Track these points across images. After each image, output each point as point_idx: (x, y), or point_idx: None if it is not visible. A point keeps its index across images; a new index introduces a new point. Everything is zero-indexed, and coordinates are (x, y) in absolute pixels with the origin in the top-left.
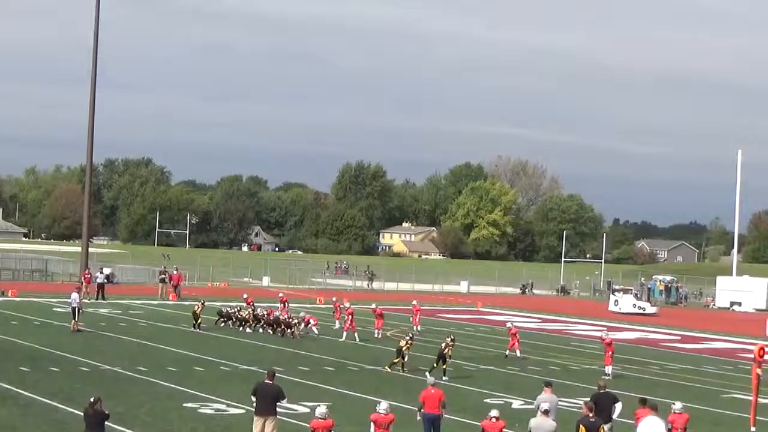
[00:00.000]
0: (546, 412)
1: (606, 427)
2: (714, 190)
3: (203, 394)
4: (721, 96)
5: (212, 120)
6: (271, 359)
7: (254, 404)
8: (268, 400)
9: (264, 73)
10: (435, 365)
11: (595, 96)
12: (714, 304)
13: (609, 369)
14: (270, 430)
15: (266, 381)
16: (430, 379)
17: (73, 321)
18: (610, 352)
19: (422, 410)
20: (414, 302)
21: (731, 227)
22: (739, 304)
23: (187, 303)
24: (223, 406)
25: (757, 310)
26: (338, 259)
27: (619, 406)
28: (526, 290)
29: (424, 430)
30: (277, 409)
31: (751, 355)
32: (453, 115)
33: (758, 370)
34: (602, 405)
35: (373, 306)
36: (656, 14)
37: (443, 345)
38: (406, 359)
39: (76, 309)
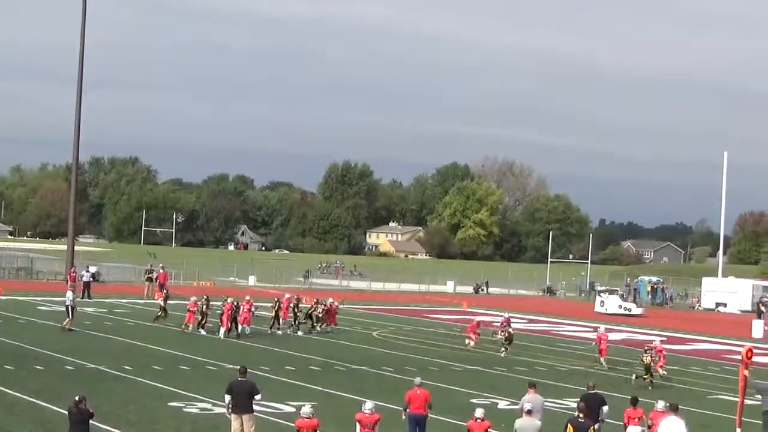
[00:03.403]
0: (529, 412)
1: (594, 427)
2: (700, 191)
3: (189, 393)
4: (708, 98)
5: (199, 119)
6: (257, 359)
7: (229, 403)
8: (243, 397)
9: (252, 73)
10: None
11: (582, 97)
12: (699, 306)
13: (660, 371)
14: (248, 427)
15: (239, 378)
16: (416, 379)
17: (67, 319)
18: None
19: (407, 410)
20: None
21: (717, 229)
22: (725, 305)
23: (173, 302)
24: (208, 406)
25: (743, 311)
26: (326, 258)
27: (606, 409)
28: (480, 289)
29: (409, 430)
30: (255, 407)
31: (737, 357)
32: (440, 116)
33: (745, 372)
34: (591, 406)
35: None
36: (645, 16)
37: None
38: None
39: (70, 307)
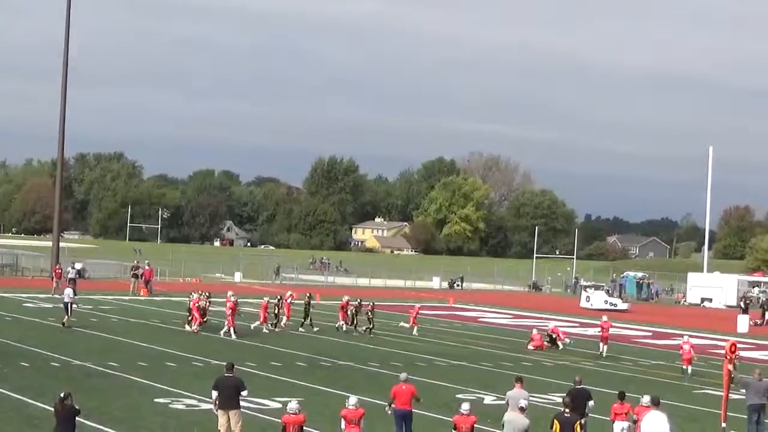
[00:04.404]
0: (522, 409)
1: (581, 422)
2: (685, 186)
3: (175, 390)
4: (694, 93)
5: (185, 114)
6: (243, 355)
7: (215, 399)
8: (230, 393)
9: (237, 68)
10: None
11: (568, 93)
12: (685, 301)
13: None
14: (235, 422)
15: (226, 374)
16: (402, 375)
17: (65, 316)
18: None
19: (393, 405)
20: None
21: (702, 224)
22: (710, 300)
23: (158, 299)
24: (194, 402)
25: (728, 306)
26: (311, 254)
27: (591, 404)
28: (455, 285)
29: (395, 426)
30: (242, 403)
31: (722, 351)
32: (426, 111)
33: (729, 366)
34: (577, 401)
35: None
36: (632, 13)
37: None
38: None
39: (69, 304)
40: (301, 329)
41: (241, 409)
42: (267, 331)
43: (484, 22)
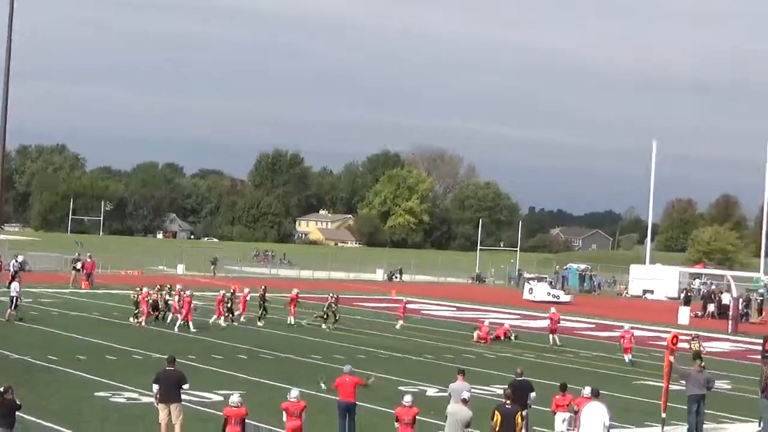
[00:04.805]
0: (465, 401)
1: (522, 413)
2: (629, 179)
3: (115, 383)
4: (638, 87)
5: (129, 107)
6: (184, 348)
7: (156, 392)
8: (171, 387)
9: (181, 61)
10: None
11: (512, 85)
12: (627, 293)
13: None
14: (176, 416)
15: (167, 368)
16: (346, 367)
17: (8, 310)
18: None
19: (337, 395)
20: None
21: (645, 216)
22: (652, 292)
23: (100, 291)
24: (135, 395)
25: (670, 298)
26: (255, 246)
27: (533, 395)
28: (394, 277)
29: (338, 417)
30: (183, 396)
31: (664, 343)
32: (371, 104)
33: (671, 358)
34: (518, 393)
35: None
36: (581, 6)
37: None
38: None
39: (15, 298)
40: (260, 323)
41: (183, 403)
42: (225, 325)
43: (432, 16)
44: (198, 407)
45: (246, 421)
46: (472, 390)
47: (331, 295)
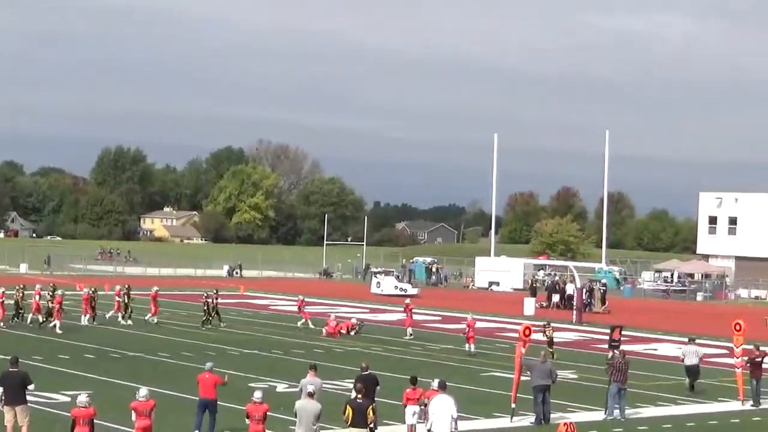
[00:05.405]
0: (311, 395)
1: (373, 407)
2: (472, 173)
3: None
4: (479, 80)
5: None
6: (29, 348)
7: (1, 395)
8: (16, 388)
9: (20, 55)
10: None
11: (354, 79)
12: (473, 285)
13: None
14: (22, 418)
15: (11, 369)
16: (207, 364)
17: None
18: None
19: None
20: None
21: (489, 209)
22: (498, 284)
23: None
24: None
25: (515, 289)
26: (99, 244)
27: (378, 389)
28: (234, 272)
29: (197, 414)
30: (29, 397)
31: (510, 334)
32: (214, 99)
33: (522, 349)
34: (367, 386)
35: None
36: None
37: None
38: None
39: None
40: (128, 321)
41: (28, 404)
42: (90, 324)
43: (274, 8)
44: (44, 408)
45: (94, 421)
46: (323, 385)
47: (207, 293)
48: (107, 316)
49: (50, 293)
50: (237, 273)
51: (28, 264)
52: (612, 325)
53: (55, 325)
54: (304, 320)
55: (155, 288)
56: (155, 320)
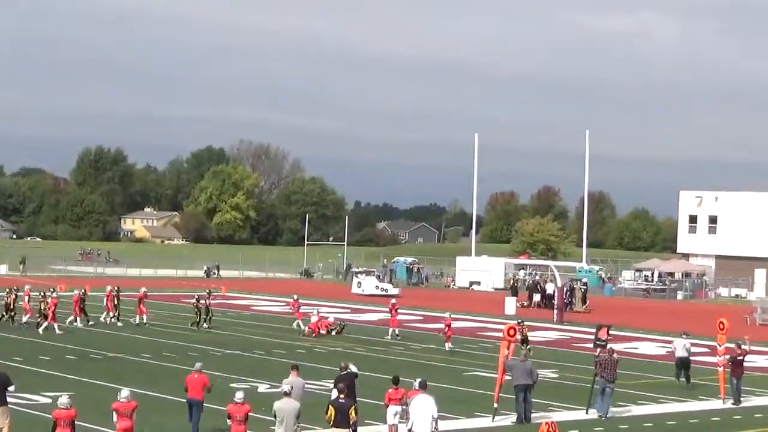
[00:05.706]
0: (286, 394)
1: (355, 407)
2: (453, 172)
3: None
4: (462, 80)
5: None
6: (9, 349)
7: None
8: None
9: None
10: None
11: (336, 80)
12: (454, 284)
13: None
14: (3, 419)
15: None
16: (196, 365)
17: None
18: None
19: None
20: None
21: (470, 209)
22: (478, 283)
23: None
24: None
25: (496, 289)
26: (80, 245)
27: (356, 380)
28: (212, 273)
29: (187, 414)
30: (9, 399)
31: (492, 333)
32: (194, 99)
33: (506, 350)
34: (348, 386)
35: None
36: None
37: None
38: None
39: None
40: (118, 322)
41: (9, 406)
42: (82, 325)
43: (256, 9)
44: (25, 410)
45: (75, 422)
46: (306, 385)
47: (199, 294)
48: (101, 319)
49: (42, 294)
50: (215, 273)
51: (8, 265)
52: (599, 324)
53: (47, 328)
54: (298, 321)
55: (143, 289)
56: (145, 321)
